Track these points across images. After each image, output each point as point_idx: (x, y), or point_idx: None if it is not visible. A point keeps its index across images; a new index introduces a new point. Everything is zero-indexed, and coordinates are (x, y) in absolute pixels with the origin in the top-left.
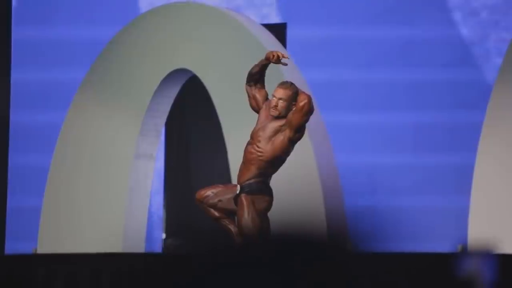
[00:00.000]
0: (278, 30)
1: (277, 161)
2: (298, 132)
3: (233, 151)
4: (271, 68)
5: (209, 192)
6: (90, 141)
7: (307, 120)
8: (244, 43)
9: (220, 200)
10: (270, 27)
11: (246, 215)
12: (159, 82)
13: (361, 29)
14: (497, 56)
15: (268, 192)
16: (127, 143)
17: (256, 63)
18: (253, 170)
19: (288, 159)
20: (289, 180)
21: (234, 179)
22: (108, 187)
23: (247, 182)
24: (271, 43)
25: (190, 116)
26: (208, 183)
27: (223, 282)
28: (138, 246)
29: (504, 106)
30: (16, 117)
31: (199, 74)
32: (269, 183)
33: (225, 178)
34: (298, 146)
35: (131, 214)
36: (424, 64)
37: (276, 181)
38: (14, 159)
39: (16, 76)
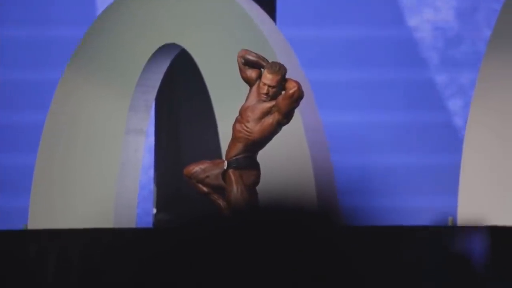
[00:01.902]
0: (267, 3)
1: (264, 141)
2: (287, 117)
3: (223, 125)
4: (265, 50)
5: (197, 168)
6: (80, 118)
7: (296, 106)
8: (233, 17)
9: (207, 176)
10: (259, 0)
11: (235, 190)
12: (148, 58)
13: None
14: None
15: (256, 166)
16: (117, 119)
17: (257, 55)
18: (240, 147)
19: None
20: (277, 148)
21: (225, 153)
22: (99, 163)
23: (234, 157)
24: (260, 16)
25: (180, 91)
26: (198, 158)
27: (212, 255)
28: (129, 221)
29: (495, 76)
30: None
31: (188, 49)
32: (256, 158)
33: (215, 153)
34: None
35: (122, 189)
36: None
37: (265, 152)
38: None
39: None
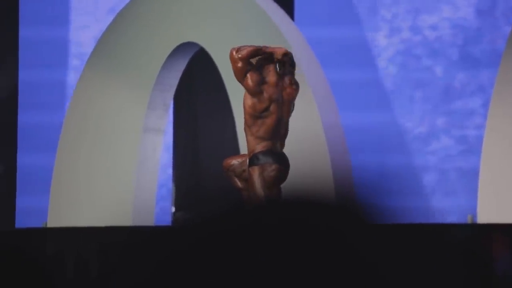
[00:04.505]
0: (286, 1)
1: (252, 120)
2: (241, 83)
3: (241, 124)
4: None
5: (235, 161)
6: (98, 116)
7: (236, 73)
8: (251, 15)
9: (244, 170)
10: None
11: (256, 186)
12: (166, 56)
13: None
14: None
15: (277, 160)
16: (135, 118)
17: (249, 46)
18: (250, 140)
19: (295, 126)
20: (296, 146)
21: (243, 152)
22: (117, 161)
23: (253, 154)
24: (277, 14)
25: (198, 89)
26: (216, 156)
27: (232, 253)
28: (147, 219)
29: None
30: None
31: (206, 47)
32: (278, 151)
33: (234, 151)
34: (303, 107)
35: (141, 188)
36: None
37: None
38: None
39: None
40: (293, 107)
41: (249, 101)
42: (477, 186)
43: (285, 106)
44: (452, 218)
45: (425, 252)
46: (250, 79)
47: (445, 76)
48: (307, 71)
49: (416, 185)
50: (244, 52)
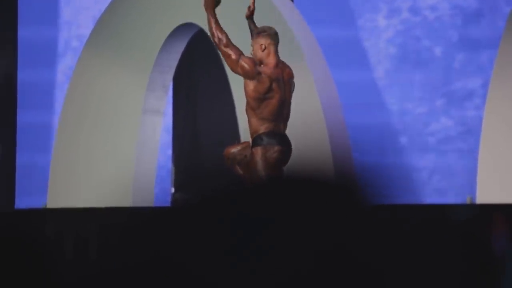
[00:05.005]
0: None
1: (257, 103)
2: (238, 73)
3: (240, 105)
4: (284, 29)
5: (234, 149)
6: (98, 98)
7: (220, 50)
8: None
9: (245, 156)
10: None
11: (259, 167)
12: (165, 37)
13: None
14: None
15: (280, 142)
16: (135, 99)
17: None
18: (253, 122)
19: (296, 115)
20: (297, 133)
21: (242, 133)
22: (117, 143)
23: (256, 135)
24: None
25: (198, 70)
26: (216, 137)
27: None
28: (147, 200)
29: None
30: (23, 75)
31: (205, 28)
32: (281, 132)
33: (233, 133)
34: (306, 101)
35: (140, 169)
36: None
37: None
38: (22, 118)
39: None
40: (294, 87)
41: (251, 85)
42: (476, 167)
43: (286, 86)
44: (451, 199)
45: (424, 233)
46: (244, 63)
47: (444, 57)
48: (307, 54)
49: (415, 166)
50: (222, 36)
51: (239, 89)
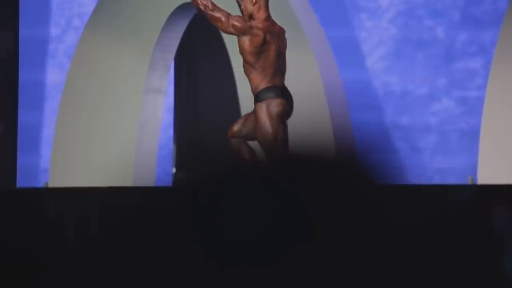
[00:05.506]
0: None
1: (255, 57)
2: (230, 32)
3: (242, 84)
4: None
5: (237, 126)
6: (99, 77)
7: (207, 16)
8: None
9: (250, 130)
10: None
11: (265, 124)
12: (167, 17)
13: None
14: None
15: (281, 95)
16: (136, 79)
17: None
18: (253, 78)
19: (295, 84)
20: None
21: (244, 113)
22: (118, 122)
23: (257, 91)
24: None
25: (199, 50)
26: (217, 117)
27: (233, 213)
28: (148, 180)
29: None
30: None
31: None
32: (281, 85)
33: (234, 112)
34: (303, 66)
35: (142, 149)
36: None
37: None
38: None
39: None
40: (286, 41)
41: (246, 40)
42: (478, 147)
43: (279, 37)
44: (452, 179)
45: (424, 213)
46: (235, 21)
47: (446, 37)
48: (306, 28)
49: (416, 146)
50: (207, 2)
51: (240, 68)
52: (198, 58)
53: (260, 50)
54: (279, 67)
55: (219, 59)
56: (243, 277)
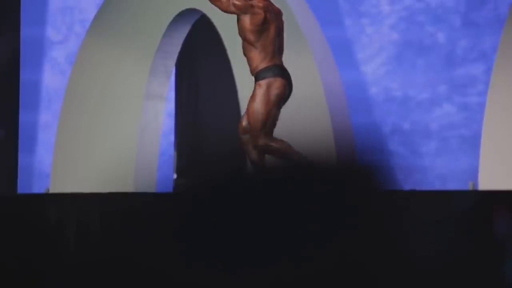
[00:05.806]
0: None
1: (256, 36)
2: (231, 12)
3: (243, 90)
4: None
5: (244, 121)
6: (100, 83)
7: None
8: None
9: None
10: None
11: (259, 104)
12: (168, 23)
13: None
14: None
15: (281, 74)
16: (137, 84)
17: None
18: (253, 57)
19: (295, 85)
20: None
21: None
22: (119, 128)
23: (258, 70)
24: None
25: (200, 56)
26: (218, 123)
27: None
28: (149, 186)
29: None
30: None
31: (208, 14)
32: (282, 65)
33: (235, 118)
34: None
35: (142, 154)
36: None
37: (284, 114)
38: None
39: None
40: (283, 23)
41: (246, 19)
42: (479, 153)
43: (278, 17)
44: (453, 185)
45: (426, 218)
46: (235, 0)
47: (447, 42)
48: (305, 29)
49: (417, 151)
50: None
51: (241, 74)
52: (199, 64)
53: (261, 28)
54: (278, 47)
55: (220, 65)
56: (244, 282)
